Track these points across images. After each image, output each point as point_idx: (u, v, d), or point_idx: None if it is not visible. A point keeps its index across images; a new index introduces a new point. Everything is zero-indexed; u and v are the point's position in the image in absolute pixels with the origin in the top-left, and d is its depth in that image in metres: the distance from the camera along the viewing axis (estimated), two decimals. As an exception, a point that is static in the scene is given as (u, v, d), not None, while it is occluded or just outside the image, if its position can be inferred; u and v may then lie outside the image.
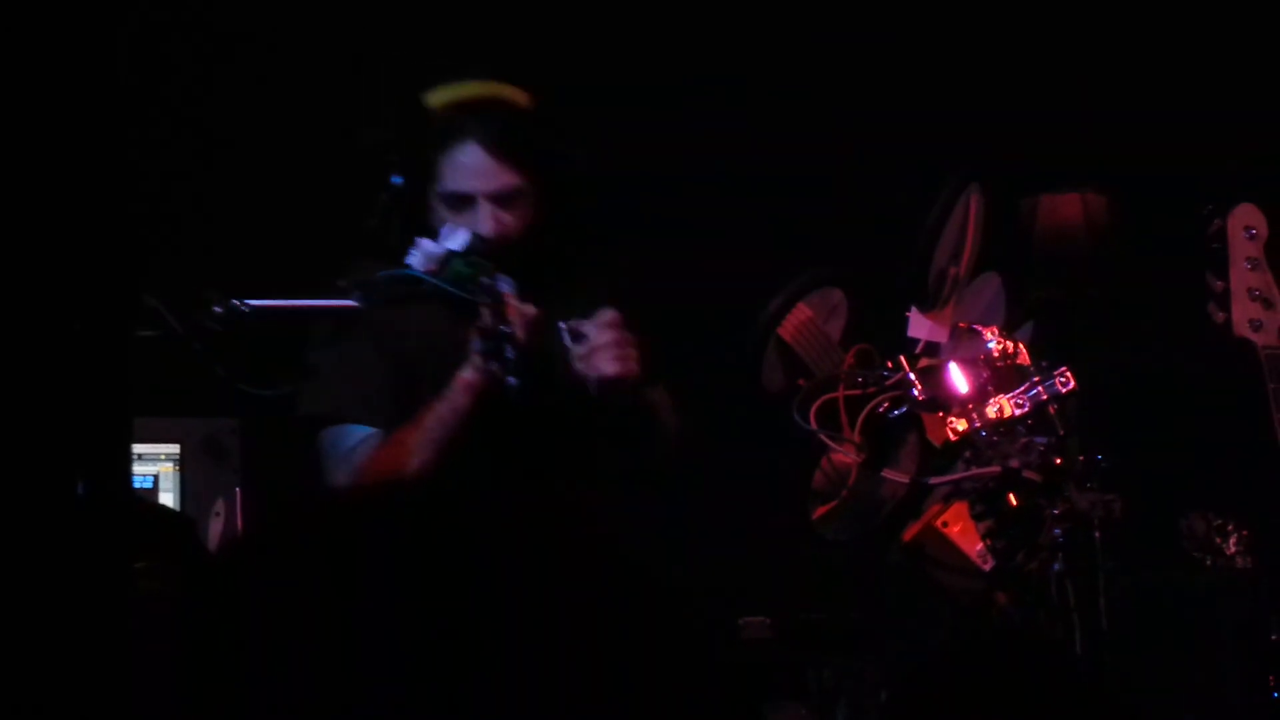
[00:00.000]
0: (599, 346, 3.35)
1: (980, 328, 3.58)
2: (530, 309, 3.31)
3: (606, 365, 3.34)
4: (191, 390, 3.73)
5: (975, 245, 3.73)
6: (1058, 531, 3.37)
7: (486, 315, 3.25)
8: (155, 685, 1.83)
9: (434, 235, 3.40)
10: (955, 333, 3.65)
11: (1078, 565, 3.36)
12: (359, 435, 3.42)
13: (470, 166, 3.44)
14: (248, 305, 3.26)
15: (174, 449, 4.16)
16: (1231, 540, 4.04)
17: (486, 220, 3.42)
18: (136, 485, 4.03)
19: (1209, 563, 4.08)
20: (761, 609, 3.84)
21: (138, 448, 3.99)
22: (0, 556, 2.00)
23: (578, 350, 3.36)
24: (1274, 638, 3.34)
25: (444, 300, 3.35)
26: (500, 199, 3.44)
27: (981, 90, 4.87)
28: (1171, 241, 3.63)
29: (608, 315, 3.37)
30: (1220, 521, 4.07)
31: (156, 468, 4.15)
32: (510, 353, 3.20)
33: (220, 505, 3.39)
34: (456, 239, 3.39)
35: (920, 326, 3.70)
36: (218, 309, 3.23)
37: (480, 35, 4.72)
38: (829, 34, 4.94)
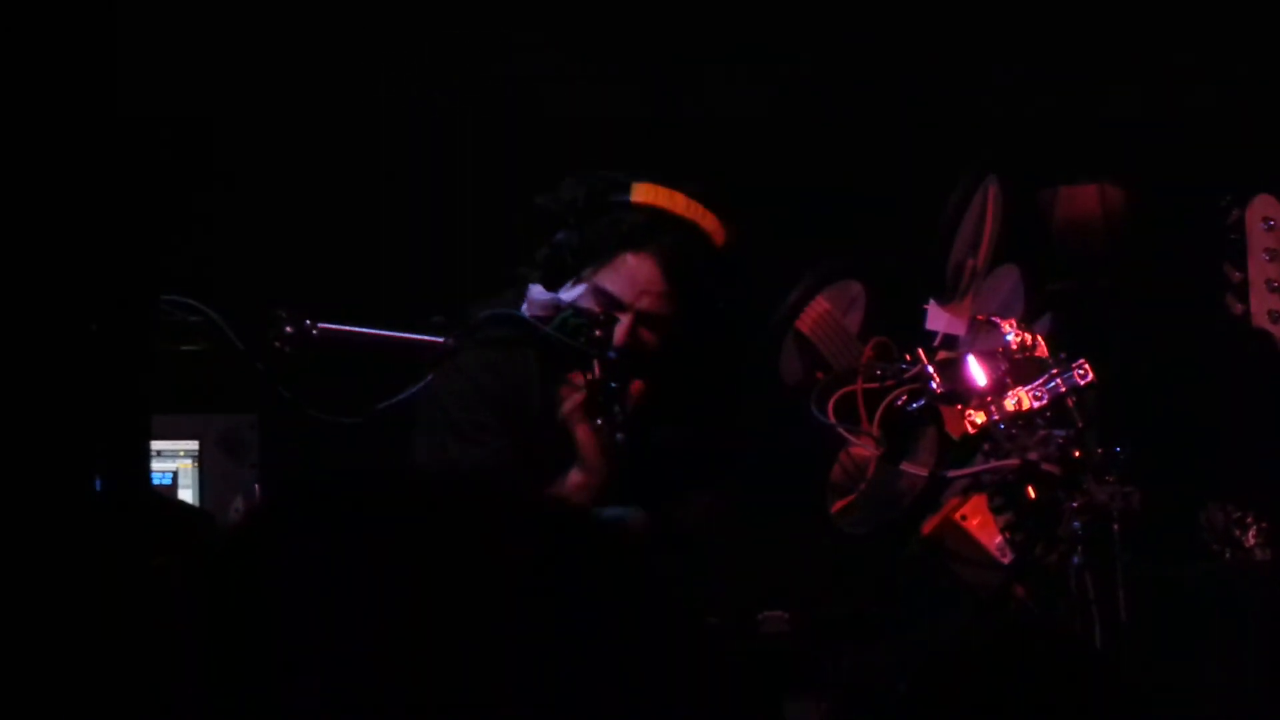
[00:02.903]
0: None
1: (998, 320, 3.57)
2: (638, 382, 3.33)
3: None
4: (211, 387, 3.73)
5: (993, 237, 3.72)
6: (1077, 524, 3.36)
7: (599, 369, 3.23)
8: (173, 680, 1.83)
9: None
10: (974, 325, 3.65)
11: (1097, 558, 3.36)
12: None
13: (638, 278, 3.41)
14: (319, 328, 3.06)
15: (193, 445, 4.16)
16: (1251, 532, 4.03)
17: (624, 333, 3.38)
18: (155, 482, 4.04)
19: (1228, 555, 4.07)
20: (780, 603, 3.84)
21: (156, 444, 4.00)
22: (20, 553, 2.01)
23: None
24: (1294, 630, 3.34)
25: (549, 349, 3.29)
26: (648, 319, 3.41)
27: (1000, 81, 4.86)
28: (1189, 233, 3.62)
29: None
30: (1240, 514, 4.05)
31: (175, 464, 4.15)
32: (618, 409, 3.20)
33: (239, 502, 3.39)
34: (571, 295, 3.34)
35: (938, 319, 3.69)
36: (288, 329, 3.04)
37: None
38: (847, 23, 4.94)
